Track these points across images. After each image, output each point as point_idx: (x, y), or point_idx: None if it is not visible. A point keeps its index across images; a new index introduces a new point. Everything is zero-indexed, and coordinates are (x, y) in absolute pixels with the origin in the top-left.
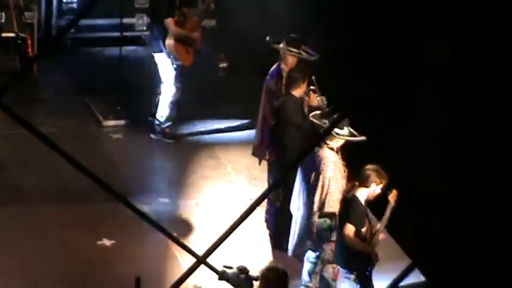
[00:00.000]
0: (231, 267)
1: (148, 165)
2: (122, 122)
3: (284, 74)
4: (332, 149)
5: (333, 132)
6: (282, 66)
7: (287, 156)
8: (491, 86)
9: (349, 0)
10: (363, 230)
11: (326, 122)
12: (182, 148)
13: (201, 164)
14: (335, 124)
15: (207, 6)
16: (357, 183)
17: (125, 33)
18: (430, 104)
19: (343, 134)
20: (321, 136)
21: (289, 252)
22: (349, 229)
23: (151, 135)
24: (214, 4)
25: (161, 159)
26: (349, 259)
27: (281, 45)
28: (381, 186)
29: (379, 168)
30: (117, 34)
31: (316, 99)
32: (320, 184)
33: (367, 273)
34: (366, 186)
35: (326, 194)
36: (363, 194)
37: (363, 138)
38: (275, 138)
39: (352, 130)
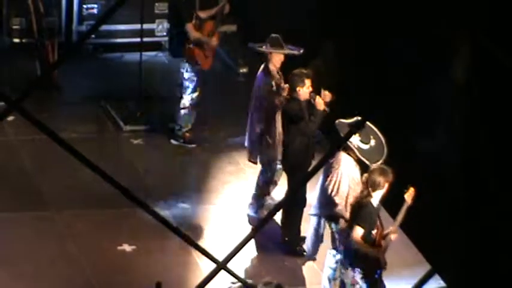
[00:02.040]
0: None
1: (168, 170)
2: (142, 128)
3: (273, 74)
4: (349, 154)
5: (350, 143)
6: (270, 66)
7: (291, 158)
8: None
9: (360, 3)
10: (373, 232)
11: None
12: (202, 153)
13: (220, 169)
14: (352, 133)
15: (222, 9)
16: (370, 189)
17: (145, 39)
18: (450, 105)
19: (360, 148)
20: (340, 142)
21: (308, 254)
22: (358, 231)
23: (172, 141)
24: (229, 7)
25: (181, 164)
26: (356, 260)
27: (264, 47)
28: (389, 182)
29: (383, 167)
30: (137, 40)
31: (322, 104)
32: (332, 181)
33: (377, 276)
34: (381, 190)
35: (337, 191)
36: (377, 196)
37: (373, 164)
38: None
39: (372, 127)
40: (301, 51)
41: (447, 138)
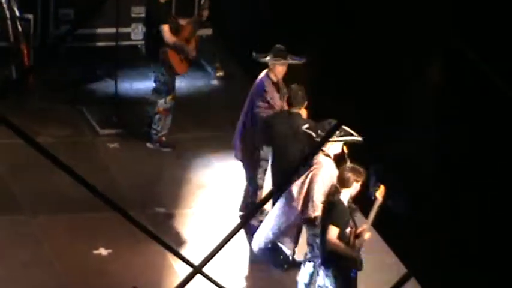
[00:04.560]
0: None
1: (144, 174)
2: (118, 131)
3: (274, 83)
4: (328, 155)
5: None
6: (272, 76)
7: (285, 166)
8: (483, 91)
9: (341, 5)
10: (346, 231)
11: (321, 133)
12: (178, 157)
13: (197, 172)
14: (331, 133)
15: (201, 16)
16: (338, 186)
17: (121, 43)
18: (423, 107)
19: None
20: (318, 145)
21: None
22: (333, 231)
23: (148, 144)
24: (208, 13)
25: (158, 168)
26: (331, 262)
27: (268, 57)
28: (360, 182)
29: (355, 166)
30: (113, 43)
31: (305, 113)
32: (306, 186)
33: (353, 275)
34: (348, 187)
35: (310, 198)
36: (345, 195)
37: (357, 138)
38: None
39: (347, 129)
40: (303, 60)
41: (424, 140)
